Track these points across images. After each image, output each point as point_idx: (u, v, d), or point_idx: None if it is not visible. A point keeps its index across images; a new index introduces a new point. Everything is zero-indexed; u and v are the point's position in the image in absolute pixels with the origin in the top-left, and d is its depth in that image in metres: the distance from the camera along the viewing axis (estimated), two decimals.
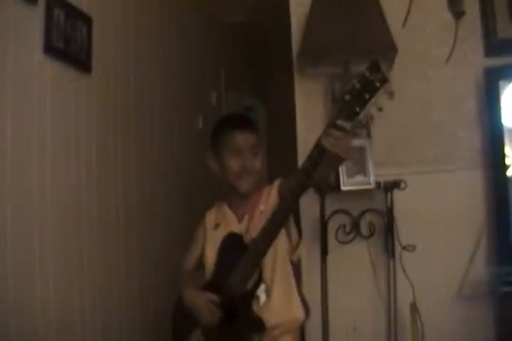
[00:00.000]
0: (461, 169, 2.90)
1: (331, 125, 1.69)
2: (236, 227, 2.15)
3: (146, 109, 3.39)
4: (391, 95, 1.62)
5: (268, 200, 2.10)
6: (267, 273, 2.05)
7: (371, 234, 2.90)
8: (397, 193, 2.78)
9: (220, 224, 2.22)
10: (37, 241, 2.26)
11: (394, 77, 2.99)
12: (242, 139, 2.12)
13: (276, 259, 2.07)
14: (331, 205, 2.85)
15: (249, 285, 2.02)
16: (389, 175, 2.84)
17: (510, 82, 2.75)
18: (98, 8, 2.78)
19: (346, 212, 2.89)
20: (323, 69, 3.01)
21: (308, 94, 3.10)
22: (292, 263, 2.12)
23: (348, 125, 1.67)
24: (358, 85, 1.63)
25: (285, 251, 2.09)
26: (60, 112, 2.47)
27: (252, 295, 2.03)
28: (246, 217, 2.15)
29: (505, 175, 2.73)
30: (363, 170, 2.80)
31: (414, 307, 2.79)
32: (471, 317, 2.82)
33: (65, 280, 2.45)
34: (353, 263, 2.96)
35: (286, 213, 1.95)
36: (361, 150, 2.84)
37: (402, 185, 2.73)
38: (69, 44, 2.51)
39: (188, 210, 3.92)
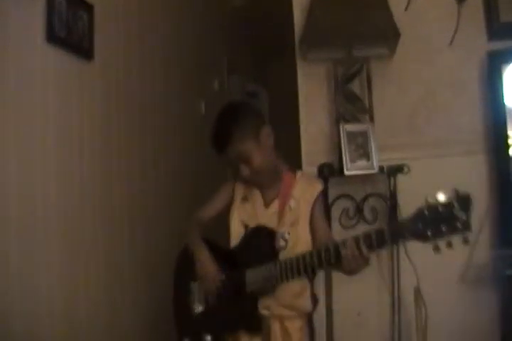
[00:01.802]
0: (464, 153, 2.91)
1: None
2: (261, 212, 2.14)
3: (148, 96, 3.39)
4: (465, 242, 1.63)
5: (301, 201, 2.11)
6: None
7: (374, 219, 2.91)
8: (400, 177, 2.79)
9: (247, 198, 2.19)
10: (41, 237, 2.27)
11: (396, 61, 3.00)
12: (228, 156, 2.09)
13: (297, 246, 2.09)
14: (334, 190, 2.85)
15: (262, 291, 2.05)
16: (392, 159, 2.85)
17: None
18: None
19: (350, 197, 2.90)
20: (325, 54, 3.00)
21: (310, 78, 3.10)
22: None
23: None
24: (441, 209, 1.64)
25: (307, 242, 2.10)
26: (62, 100, 2.47)
27: (260, 296, 2.06)
28: (275, 203, 2.14)
29: (509, 158, 2.74)
30: (366, 154, 2.81)
31: (418, 292, 2.80)
32: (475, 301, 2.84)
33: (71, 282, 2.46)
34: None
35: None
36: (364, 134, 2.85)
37: (405, 170, 2.73)
38: (71, 32, 2.51)
39: (193, 197, 3.92)
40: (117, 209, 2.92)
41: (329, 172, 2.79)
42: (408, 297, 2.84)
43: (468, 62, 2.96)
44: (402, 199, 2.82)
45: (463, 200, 1.63)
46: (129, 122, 3.09)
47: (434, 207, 1.66)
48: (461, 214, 1.62)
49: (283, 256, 2.03)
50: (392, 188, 2.83)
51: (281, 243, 2.07)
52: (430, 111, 2.97)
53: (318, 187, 2.16)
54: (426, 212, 1.67)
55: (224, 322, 2.12)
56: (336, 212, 2.88)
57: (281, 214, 2.11)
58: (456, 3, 2.96)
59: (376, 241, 1.78)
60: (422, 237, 1.69)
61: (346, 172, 2.79)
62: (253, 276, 2.04)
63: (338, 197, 2.87)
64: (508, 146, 2.73)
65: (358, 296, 2.96)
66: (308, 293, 2.13)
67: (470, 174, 2.89)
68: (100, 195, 2.75)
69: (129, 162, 3.07)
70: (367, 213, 2.92)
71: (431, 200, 1.66)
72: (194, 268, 2.16)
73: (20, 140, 2.18)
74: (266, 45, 6.13)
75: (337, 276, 2.83)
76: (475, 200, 2.84)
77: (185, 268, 2.24)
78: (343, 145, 2.82)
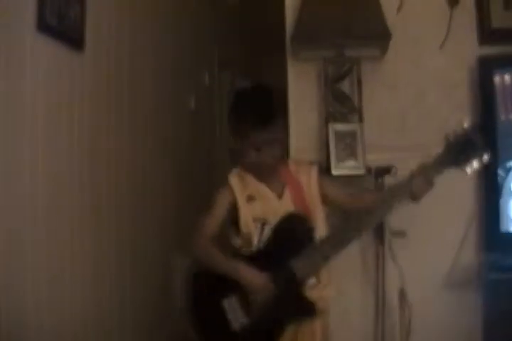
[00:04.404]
0: None
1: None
2: (276, 203, 2.14)
3: (139, 88, 3.37)
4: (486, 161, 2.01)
5: (309, 185, 2.17)
6: None
7: None
8: (388, 179, 2.79)
9: (254, 197, 2.15)
10: (28, 227, 2.26)
11: (387, 63, 3.00)
12: (260, 137, 2.06)
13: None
14: None
15: (308, 276, 2.10)
16: (380, 160, 2.85)
17: (503, 71, 2.75)
18: None
19: None
20: (316, 52, 2.99)
21: (300, 77, 3.10)
22: None
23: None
24: (460, 137, 2.00)
25: (323, 225, 2.17)
26: (53, 90, 2.45)
27: (304, 282, 2.09)
28: (287, 193, 2.15)
29: (496, 162, 2.75)
30: (354, 154, 2.81)
31: (402, 294, 2.81)
32: (459, 304, 2.85)
33: (56, 275, 2.44)
34: None
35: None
36: (353, 134, 2.85)
37: (393, 171, 2.74)
38: (62, 21, 2.49)
39: (181, 189, 3.92)
40: (104, 199, 2.91)
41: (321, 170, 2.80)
42: (393, 298, 2.85)
43: (458, 65, 2.96)
44: None
45: (472, 126, 1.98)
46: (118, 113, 3.08)
47: (454, 137, 2.00)
48: (476, 138, 1.97)
49: None
50: (379, 189, 2.82)
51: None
52: (420, 114, 2.98)
53: (313, 167, 2.23)
54: (453, 143, 2.00)
55: (281, 319, 2.09)
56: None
57: (301, 201, 2.14)
58: (448, 7, 2.97)
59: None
60: (455, 164, 2.02)
61: (333, 172, 2.79)
62: (301, 264, 2.05)
63: None
64: (496, 151, 2.74)
65: (342, 296, 2.96)
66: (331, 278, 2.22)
67: (458, 177, 2.89)
68: (88, 180, 2.73)
69: (118, 152, 3.06)
70: None
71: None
72: (221, 286, 2.11)
73: (10, 130, 2.15)
74: (258, 42, 6.12)
75: None
76: (462, 203, 2.88)
77: (207, 291, 2.17)
78: (331, 145, 2.82)
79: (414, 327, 2.81)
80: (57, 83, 2.49)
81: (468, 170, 1.98)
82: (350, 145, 2.83)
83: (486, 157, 1.96)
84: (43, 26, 2.35)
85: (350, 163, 2.80)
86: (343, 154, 2.81)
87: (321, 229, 2.15)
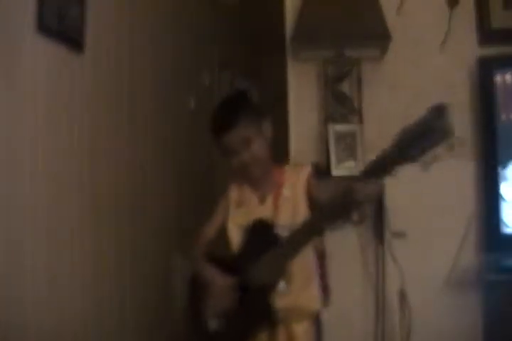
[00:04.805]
0: (452, 157, 2.91)
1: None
2: (257, 209, 2.12)
3: (139, 88, 3.36)
4: (450, 148, 1.71)
5: (294, 187, 2.10)
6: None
7: (361, 220, 2.92)
8: (388, 180, 2.79)
9: (241, 202, 2.17)
10: (28, 227, 2.25)
11: (387, 63, 3.01)
12: (230, 139, 2.06)
13: None
14: None
15: (274, 277, 2.03)
16: None
17: (503, 72, 2.76)
18: None
19: None
20: (316, 52, 3.00)
21: (301, 77, 3.11)
22: (316, 248, 2.13)
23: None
24: (416, 127, 1.66)
25: None
26: (53, 90, 2.44)
27: (273, 286, 2.03)
28: (269, 199, 2.11)
29: (496, 164, 2.75)
30: (353, 155, 2.82)
31: (402, 295, 2.82)
32: (459, 305, 2.86)
33: (56, 275, 2.43)
34: (343, 249, 2.97)
35: (324, 223, 1.93)
36: (353, 135, 2.85)
37: (393, 172, 2.73)
38: (62, 21, 2.48)
39: (181, 189, 3.91)
40: (104, 199, 2.90)
41: (317, 172, 2.79)
42: (393, 299, 2.86)
43: (458, 66, 2.98)
44: (389, 201, 2.83)
45: (436, 111, 1.63)
46: (118, 115, 3.07)
47: (409, 128, 1.67)
48: (438, 124, 1.61)
49: None
50: None
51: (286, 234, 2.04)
52: (420, 114, 2.96)
53: (306, 169, 2.16)
54: (404, 136, 1.68)
55: (242, 325, 2.07)
56: None
57: (276, 205, 2.09)
58: (447, 7, 2.97)
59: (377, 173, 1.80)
60: (409, 159, 1.69)
61: (333, 173, 2.79)
62: (259, 269, 2.01)
63: None
64: (496, 152, 2.74)
65: (343, 297, 2.96)
66: (315, 286, 2.10)
67: (458, 178, 2.90)
68: (88, 179, 2.72)
69: (117, 153, 3.05)
70: (354, 214, 2.91)
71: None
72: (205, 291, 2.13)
73: (9, 130, 2.15)
74: (258, 42, 6.12)
75: None
76: (462, 204, 2.88)
77: (199, 291, 2.19)
78: (330, 146, 2.83)
79: (414, 327, 2.81)
80: (57, 83, 2.49)
81: (431, 160, 1.70)
82: (350, 145, 2.83)
83: (450, 142, 1.64)
84: (43, 26, 2.34)
85: (350, 163, 2.81)
86: (343, 155, 2.81)
87: None
